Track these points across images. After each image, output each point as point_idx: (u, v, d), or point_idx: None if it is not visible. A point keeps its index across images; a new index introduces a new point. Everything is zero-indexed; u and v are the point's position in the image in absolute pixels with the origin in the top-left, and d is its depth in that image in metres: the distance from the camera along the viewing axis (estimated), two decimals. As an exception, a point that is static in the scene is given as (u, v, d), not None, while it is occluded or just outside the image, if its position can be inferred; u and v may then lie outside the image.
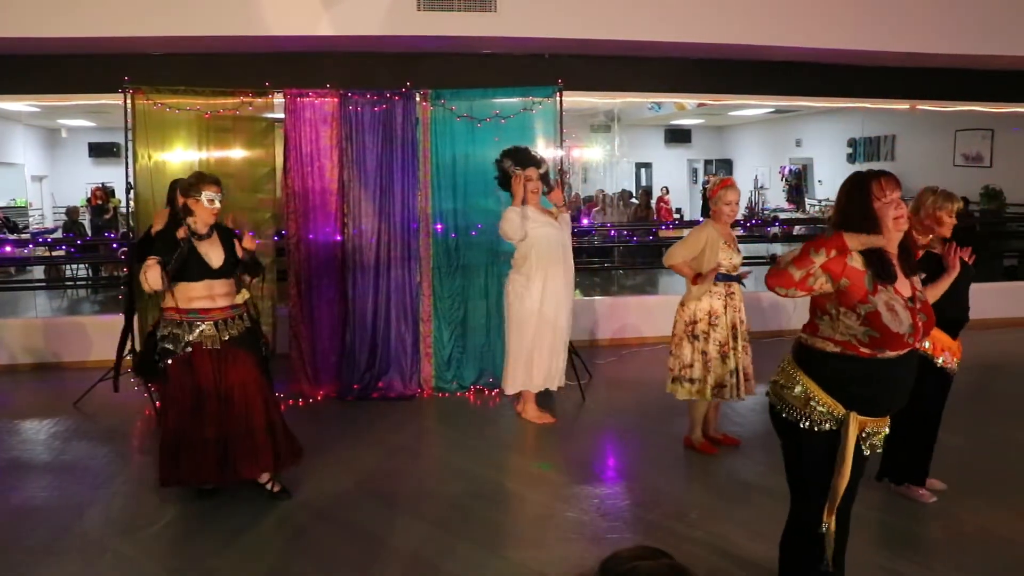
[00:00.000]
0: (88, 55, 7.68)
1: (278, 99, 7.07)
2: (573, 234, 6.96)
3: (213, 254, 4.73)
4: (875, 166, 16.67)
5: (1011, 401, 6.74)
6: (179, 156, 7.01)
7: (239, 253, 4.86)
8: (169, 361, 4.66)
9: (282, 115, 7.03)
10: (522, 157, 6.11)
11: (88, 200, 17.19)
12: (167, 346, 4.66)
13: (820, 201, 18.92)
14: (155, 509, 4.75)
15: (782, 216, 17.96)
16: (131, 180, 6.96)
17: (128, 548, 4.30)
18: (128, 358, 7.06)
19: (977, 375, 7.41)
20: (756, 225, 13.42)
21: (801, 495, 3.19)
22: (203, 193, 4.66)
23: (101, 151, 19.26)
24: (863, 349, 2.96)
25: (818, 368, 3.06)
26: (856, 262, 2.96)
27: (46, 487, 5.16)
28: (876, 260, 2.95)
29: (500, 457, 5.71)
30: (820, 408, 3.02)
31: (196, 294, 4.68)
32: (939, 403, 4.64)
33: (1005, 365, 8.04)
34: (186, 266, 4.64)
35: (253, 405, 4.71)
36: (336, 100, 6.99)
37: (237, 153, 7.09)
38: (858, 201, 2.98)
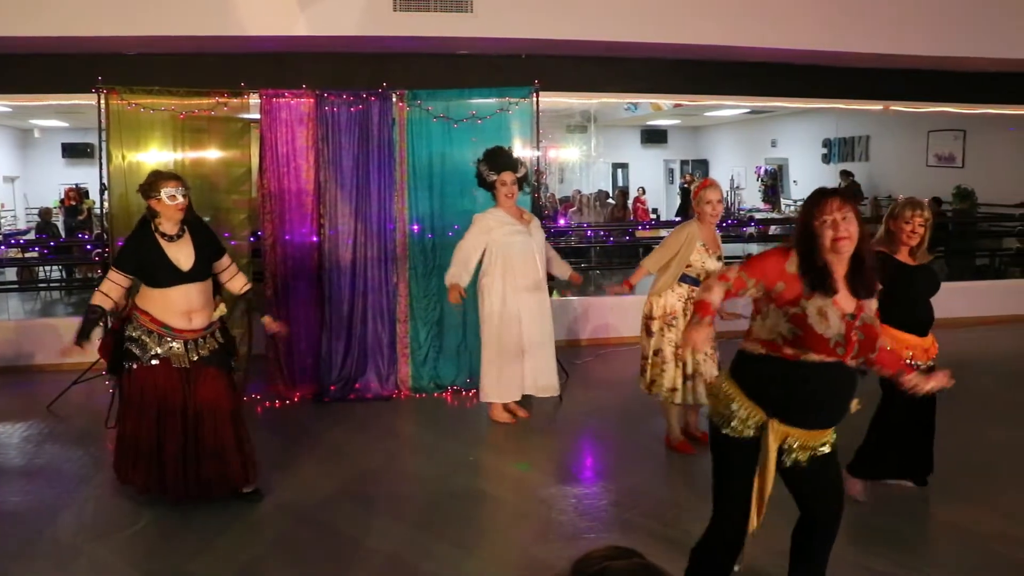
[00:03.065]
0: (61, 55, 7.61)
1: (254, 99, 7.02)
2: (550, 235, 6.96)
3: (182, 256, 4.59)
4: (849, 166, 16.95)
5: (983, 399, 6.83)
6: (154, 157, 6.95)
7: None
8: (133, 366, 4.59)
9: (258, 116, 6.99)
10: (499, 161, 6.05)
11: (61, 201, 17.01)
12: (133, 350, 4.58)
13: (795, 201, 19.05)
14: (130, 512, 4.71)
15: (758, 216, 18.08)
16: (105, 181, 6.90)
17: (102, 552, 4.26)
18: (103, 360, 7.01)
19: (951, 373, 7.48)
20: (732, 225, 13.50)
21: (720, 504, 3.21)
22: (162, 190, 4.52)
23: (75, 152, 19.07)
24: (787, 349, 2.97)
25: (742, 371, 3.11)
26: (793, 266, 2.99)
27: (18, 491, 5.10)
28: (811, 270, 2.96)
29: (478, 457, 5.72)
30: (741, 413, 3.04)
31: (175, 307, 4.56)
32: (902, 406, 4.50)
33: (977, 363, 8.12)
34: (155, 271, 4.55)
35: (223, 424, 4.65)
36: (312, 101, 6.96)
37: (212, 154, 7.05)
38: (803, 217, 3.03)
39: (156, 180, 4.58)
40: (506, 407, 6.32)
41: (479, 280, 6.14)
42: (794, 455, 3.04)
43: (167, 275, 4.55)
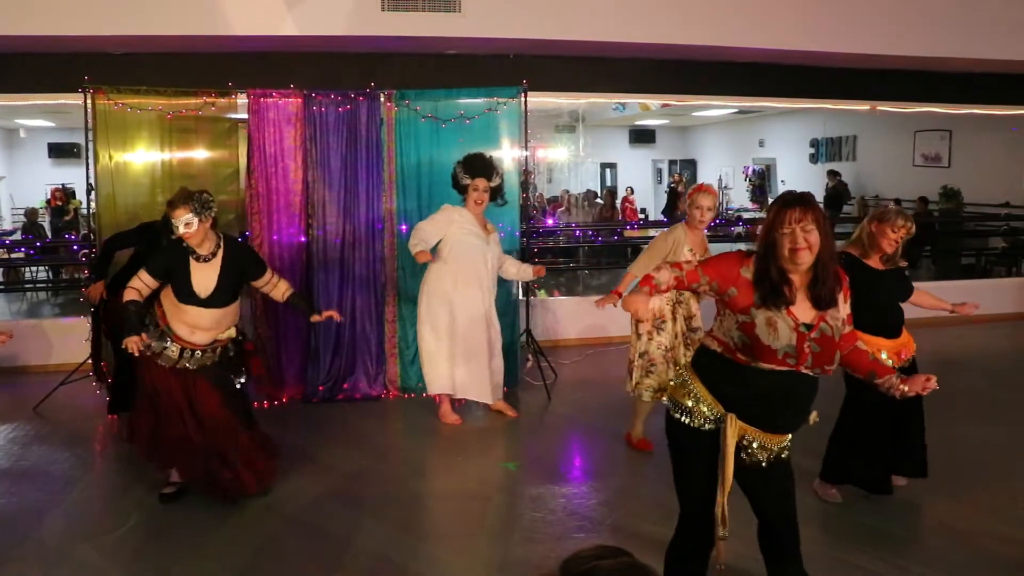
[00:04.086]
0: (47, 54, 7.56)
1: (241, 99, 7.01)
2: (538, 234, 6.95)
3: (205, 280, 4.60)
4: (837, 166, 17.01)
5: (968, 397, 6.86)
6: (141, 157, 6.95)
7: (272, 287, 4.92)
8: (146, 352, 4.65)
9: (245, 115, 6.98)
10: (475, 166, 6.06)
11: (48, 201, 16.94)
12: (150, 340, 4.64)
13: (783, 201, 19.08)
14: (117, 514, 4.70)
15: (746, 216, 18.13)
16: (92, 181, 6.88)
17: (90, 554, 4.24)
18: (89, 362, 6.98)
19: (935, 372, 7.51)
20: (720, 225, 13.52)
21: (683, 499, 3.23)
22: (172, 222, 4.54)
23: (61, 152, 18.96)
24: (739, 355, 2.98)
25: (701, 364, 3.12)
26: (749, 273, 2.97)
27: (4, 494, 5.07)
28: (765, 281, 2.93)
29: (466, 457, 5.71)
30: (702, 406, 3.05)
31: (182, 318, 4.61)
32: (868, 407, 4.54)
33: (963, 362, 8.16)
34: (176, 285, 4.59)
35: (225, 434, 4.70)
36: (300, 100, 6.95)
37: (200, 154, 7.04)
38: (765, 225, 2.99)
39: (167, 206, 4.59)
40: (454, 408, 6.33)
41: (426, 271, 6.17)
42: (754, 454, 3.05)
43: (185, 295, 4.60)
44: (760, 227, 3.05)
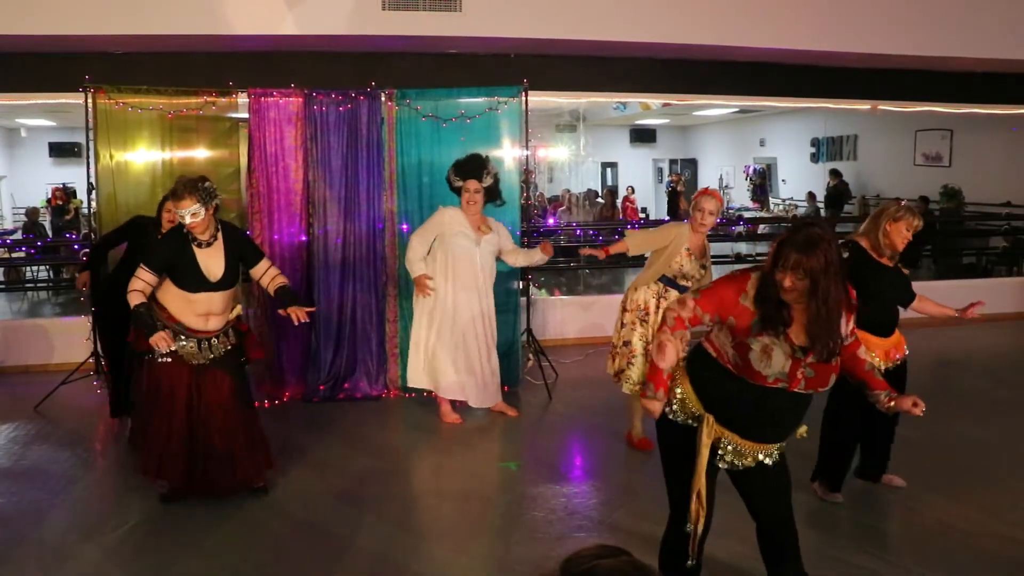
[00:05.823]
0: (48, 54, 7.57)
1: (242, 99, 7.02)
2: (539, 234, 6.95)
3: (213, 264, 4.60)
4: (837, 165, 17.01)
5: (968, 397, 6.86)
6: (142, 156, 6.96)
7: (267, 282, 4.85)
8: (146, 357, 4.66)
9: (246, 115, 6.98)
10: (466, 169, 6.07)
11: (48, 201, 16.96)
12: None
13: (784, 200, 19.14)
14: (118, 514, 4.69)
15: (747, 215, 18.14)
16: (92, 180, 6.89)
17: (90, 554, 4.24)
18: (91, 361, 6.99)
19: (935, 371, 7.53)
20: (721, 224, 13.53)
21: (671, 493, 3.29)
22: (177, 212, 4.50)
23: (62, 151, 18.98)
24: (730, 365, 3.00)
25: (693, 363, 3.14)
26: (748, 302, 2.96)
27: (4, 493, 5.06)
28: (765, 306, 2.92)
29: (466, 457, 5.71)
30: (684, 402, 3.09)
31: (195, 309, 4.60)
32: (851, 405, 4.51)
33: (962, 361, 8.16)
34: (183, 276, 4.56)
35: (233, 427, 4.70)
36: (301, 100, 6.95)
37: (201, 153, 7.05)
38: (769, 259, 2.94)
39: (171, 196, 4.58)
40: (454, 408, 6.33)
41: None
42: (729, 458, 3.07)
43: (195, 283, 4.57)
44: (770, 247, 3.01)
